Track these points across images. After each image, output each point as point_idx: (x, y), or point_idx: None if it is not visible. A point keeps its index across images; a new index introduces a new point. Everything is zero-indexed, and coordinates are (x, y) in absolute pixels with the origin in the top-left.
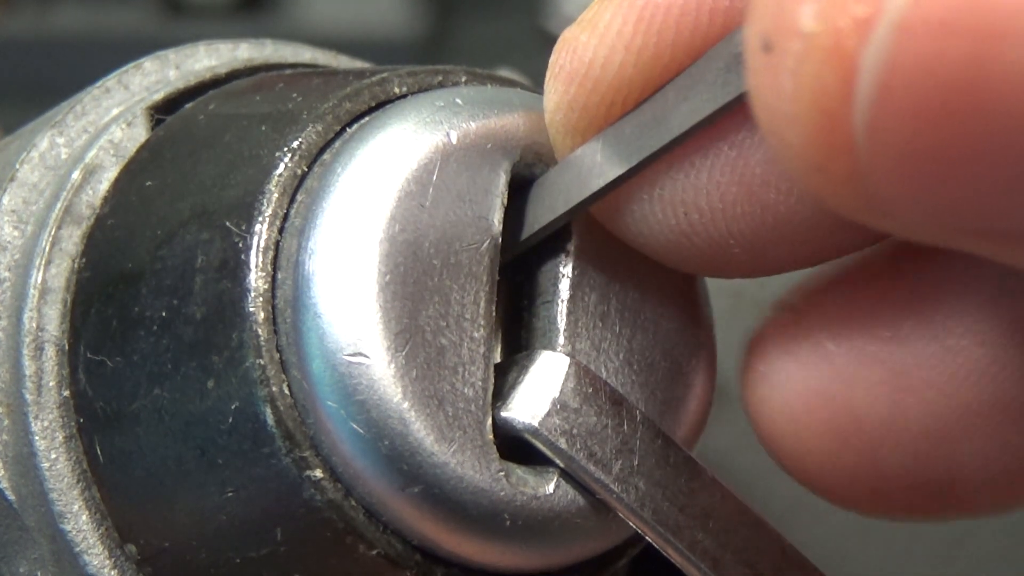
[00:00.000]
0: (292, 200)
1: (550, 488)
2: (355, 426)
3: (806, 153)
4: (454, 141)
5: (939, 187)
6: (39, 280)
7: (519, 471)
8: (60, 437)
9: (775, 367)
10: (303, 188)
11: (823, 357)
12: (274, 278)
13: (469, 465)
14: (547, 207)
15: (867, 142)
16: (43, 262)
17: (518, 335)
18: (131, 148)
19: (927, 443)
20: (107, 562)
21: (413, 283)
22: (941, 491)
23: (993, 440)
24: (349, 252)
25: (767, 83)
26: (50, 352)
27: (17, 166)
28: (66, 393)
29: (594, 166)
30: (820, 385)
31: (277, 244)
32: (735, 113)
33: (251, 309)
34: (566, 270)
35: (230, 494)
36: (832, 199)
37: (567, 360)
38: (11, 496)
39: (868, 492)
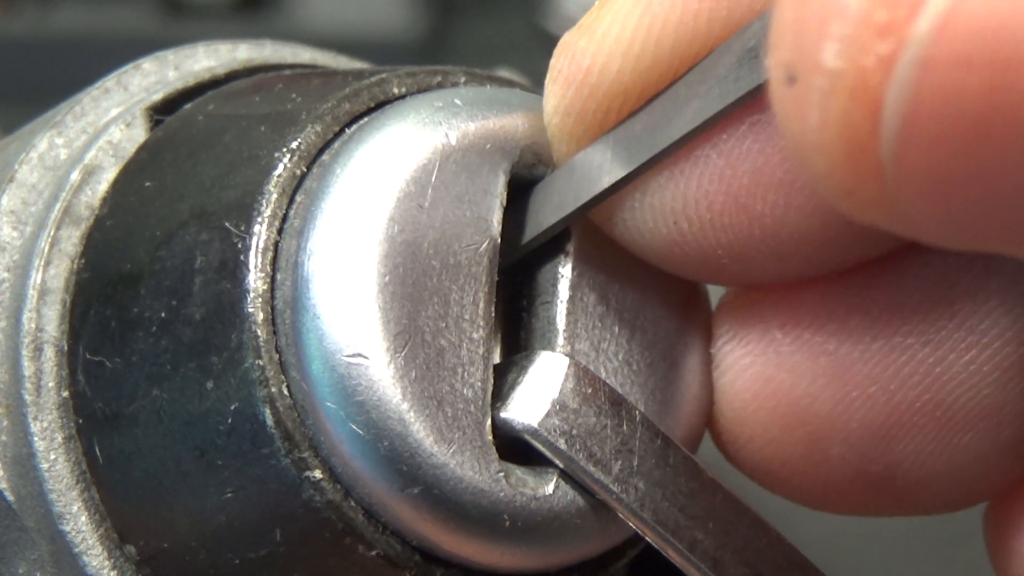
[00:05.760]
0: (291, 201)
1: (549, 489)
2: (354, 427)
3: (834, 179)
4: (453, 142)
5: (965, 206)
6: (38, 281)
7: (518, 472)
8: (59, 438)
9: (723, 351)
10: (302, 189)
11: (771, 345)
12: (273, 279)
13: (468, 466)
14: (550, 209)
15: (894, 169)
16: (42, 263)
17: (517, 336)
18: (130, 149)
19: (869, 438)
20: (106, 563)
21: (412, 284)
22: (881, 487)
23: (933, 439)
24: (348, 253)
25: (793, 113)
26: (49, 353)
27: (16, 167)
28: (65, 394)
29: (603, 165)
30: (767, 373)
31: (276, 245)
32: (724, 121)
33: (250, 310)
34: (565, 271)
35: (229, 495)
36: (861, 217)
37: (566, 361)
38: (10, 497)
39: (810, 483)
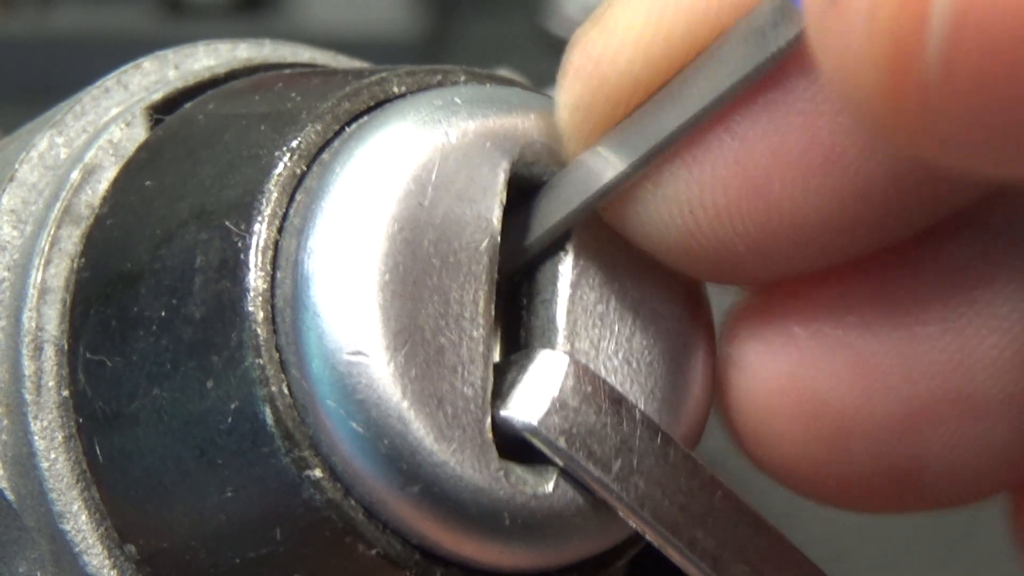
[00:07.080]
0: (291, 200)
1: (549, 487)
2: (354, 425)
3: (879, 94)
4: (453, 140)
5: (1012, 116)
6: (38, 280)
7: (518, 470)
8: (59, 437)
9: (743, 350)
10: (302, 187)
11: (790, 341)
12: (273, 278)
13: (468, 464)
14: (557, 207)
15: (940, 78)
16: (42, 262)
17: (517, 334)
18: (130, 148)
19: (893, 432)
20: (106, 562)
21: (412, 282)
22: (907, 482)
23: (958, 432)
24: (348, 251)
25: (836, 32)
26: (49, 352)
27: (16, 166)
28: (65, 393)
29: (610, 157)
30: (787, 370)
31: (276, 244)
32: (736, 102)
33: (250, 309)
34: (565, 269)
35: (229, 494)
36: (903, 137)
37: (566, 359)
38: (10, 496)
39: (834, 481)
